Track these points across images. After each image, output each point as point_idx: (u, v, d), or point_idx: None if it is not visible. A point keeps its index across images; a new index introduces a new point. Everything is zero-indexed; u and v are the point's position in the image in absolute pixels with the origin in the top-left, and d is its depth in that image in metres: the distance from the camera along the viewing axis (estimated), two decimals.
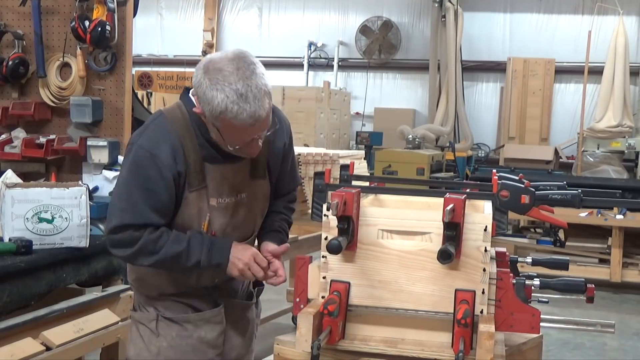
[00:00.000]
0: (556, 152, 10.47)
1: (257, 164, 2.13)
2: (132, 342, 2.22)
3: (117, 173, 3.44)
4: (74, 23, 3.40)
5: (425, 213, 1.91)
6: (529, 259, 2.12)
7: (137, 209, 1.95)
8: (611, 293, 6.69)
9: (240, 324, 2.27)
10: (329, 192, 2.04)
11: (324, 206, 1.88)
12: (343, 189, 1.88)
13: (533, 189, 1.94)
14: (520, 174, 2.07)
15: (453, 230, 1.76)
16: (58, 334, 2.67)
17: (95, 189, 3.44)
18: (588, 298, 1.91)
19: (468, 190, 2.16)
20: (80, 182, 3.17)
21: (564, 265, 2.13)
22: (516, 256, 2.13)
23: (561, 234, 7.19)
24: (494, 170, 2.18)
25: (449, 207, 1.71)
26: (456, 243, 1.76)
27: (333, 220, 1.85)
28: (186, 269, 2.03)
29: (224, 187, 2.07)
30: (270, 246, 2.15)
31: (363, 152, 7.73)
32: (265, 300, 2.50)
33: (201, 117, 1.97)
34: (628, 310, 6.29)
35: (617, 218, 6.56)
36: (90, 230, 2.99)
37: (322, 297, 1.88)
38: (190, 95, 2.05)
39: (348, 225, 1.82)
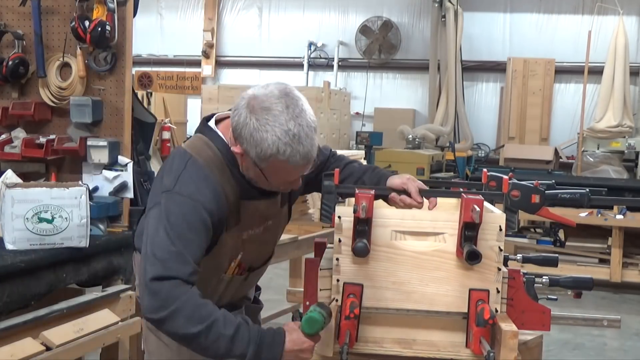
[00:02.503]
0: (556, 152, 10.46)
1: (284, 193, 2.05)
2: (155, 353, 2.07)
3: (117, 173, 3.45)
4: (74, 23, 3.40)
5: (439, 213, 1.91)
6: (518, 257, 2.14)
7: (182, 260, 1.74)
8: (611, 293, 6.69)
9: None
10: (356, 193, 2.01)
11: (337, 208, 1.87)
12: (360, 190, 1.87)
13: (543, 189, 1.95)
14: (510, 173, 2.09)
15: (473, 230, 1.76)
16: (58, 334, 2.66)
17: (95, 189, 3.44)
18: (576, 293, 1.94)
19: (461, 190, 2.16)
20: (80, 182, 3.17)
21: (553, 262, 2.14)
22: (507, 254, 2.14)
23: (561, 234, 7.19)
24: (485, 170, 2.20)
25: (475, 209, 1.71)
26: (474, 243, 1.77)
27: (346, 222, 1.84)
28: (222, 358, 1.77)
29: (255, 219, 1.98)
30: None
31: (363, 152, 7.72)
32: (265, 300, 2.49)
33: (237, 155, 1.84)
34: (628, 310, 6.29)
35: (617, 218, 6.55)
36: (90, 230, 2.99)
37: (335, 300, 1.87)
38: (213, 127, 1.93)
39: (367, 227, 1.81)
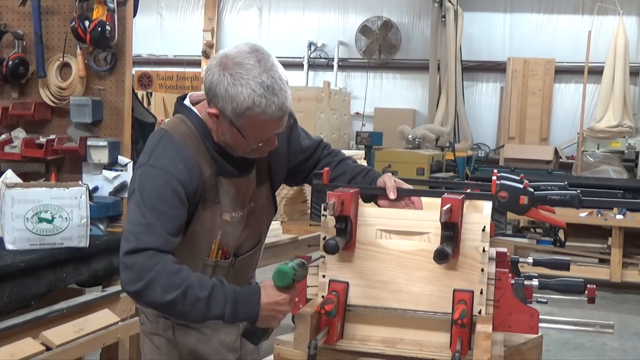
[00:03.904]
0: (556, 152, 10.47)
1: (260, 169, 2.05)
2: (148, 356, 2.10)
3: (117, 173, 3.45)
4: (74, 23, 3.40)
5: (424, 213, 1.91)
6: (530, 259, 2.12)
7: (154, 231, 1.75)
8: (611, 293, 6.69)
9: None
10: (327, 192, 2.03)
11: (323, 206, 1.88)
12: (341, 188, 1.88)
13: (532, 190, 1.93)
14: (522, 174, 2.07)
15: (451, 230, 1.75)
16: (58, 334, 2.67)
17: (95, 189, 3.44)
18: (589, 299, 1.90)
19: (469, 190, 2.16)
20: (80, 182, 3.17)
21: (565, 266, 2.12)
22: (517, 256, 2.12)
23: (561, 234, 7.19)
24: (495, 170, 2.18)
25: (445, 207, 1.70)
26: (454, 243, 1.76)
27: (331, 220, 1.84)
28: (205, 320, 1.80)
29: (238, 201, 1.99)
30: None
31: (363, 152, 7.72)
32: None
33: (212, 119, 1.85)
34: (628, 310, 6.30)
35: (617, 218, 6.56)
36: (90, 230, 2.99)
37: (322, 297, 1.88)
38: (188, 105, 1.96)
39: (346, 225, 1.81)
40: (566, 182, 2.04)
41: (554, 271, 2.27)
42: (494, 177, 1.98)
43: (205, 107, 1.92)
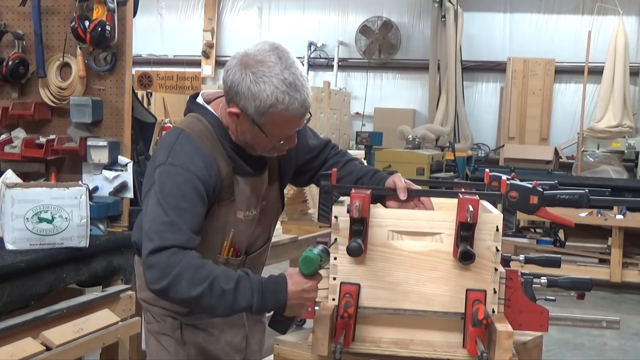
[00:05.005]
0: (556, 152, 10.47)
1: (271, 167, 2.06)
2: (154, 355, 2.09)
3: (117, 173, 3.45)
4: (74, 23, 3.39)
5: (436, 214, 1.90)
6: (521, 257, 2.13)
7: (177, 229, 1.75)
8: (611, 293, 6.69)
9: (255, 329, 2.21)
10: (343, 194, 2.02)
11: (334, 208, 1.87)
12: (354, 190, 1.87)
13: (541, 190, 1.94)
14: (513, 174, 2.08)
15: (469, 230, 1.75)
16: (58, 334, 2.66)
17: (95, 189, 3.44)
18: (579, 295, 1.93)
19: (463, 189, 2.16)
20: (80, 182, 3.16)
21: (555, 263, 2.14)
22: (509, 254, 2.14)
23: (561, 234, 7.20)
24: (487, 170, 2.20)
25: (470, 209, 1.70)
26: (470, 244, 1.77)
27: (342, 222, 1.84)
28: (233, 312, 1.80)
29: (252, 199, 1.98)
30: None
31: (363, 152, 7.71)
32: None
33: (232, 119, 1.85)
34: (628, 310, 6.30)
35: (617, 218, 6.56)
36: (90, 230, 2.98)
37: (333, 300, 1.87)
38: (202, 103, 1.96)
39: (363, 227, 1.81)
40: (556, 181, 2.05)
41: (546, 270, 2.28)
42: (504, 178, 1.99)
43: (221, 105, 1.93)
